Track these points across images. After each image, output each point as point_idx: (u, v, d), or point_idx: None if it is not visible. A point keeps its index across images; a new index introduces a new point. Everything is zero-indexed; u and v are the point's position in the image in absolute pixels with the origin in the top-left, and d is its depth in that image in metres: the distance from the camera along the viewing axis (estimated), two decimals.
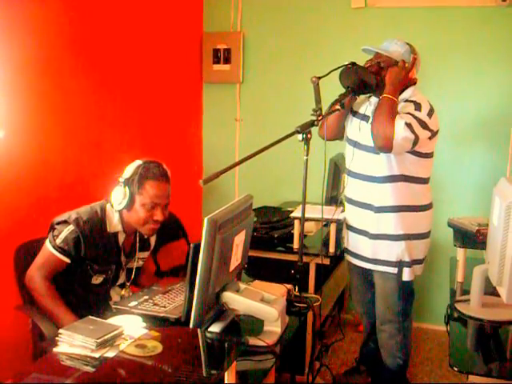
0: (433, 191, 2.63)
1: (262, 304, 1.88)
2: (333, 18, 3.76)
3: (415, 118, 2.38)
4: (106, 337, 1.60)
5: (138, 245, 2.37)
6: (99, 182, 2.50)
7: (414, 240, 2.53)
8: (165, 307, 1.99)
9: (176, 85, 3.76)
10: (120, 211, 2.24)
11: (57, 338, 1.63)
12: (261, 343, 1.82)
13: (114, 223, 2.25)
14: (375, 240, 2.54)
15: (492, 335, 1.99)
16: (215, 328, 1.83)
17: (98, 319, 1.73)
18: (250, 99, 4.03)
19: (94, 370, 1.52)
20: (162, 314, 1.94)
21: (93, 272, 2.23)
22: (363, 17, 3.68)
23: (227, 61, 3.96)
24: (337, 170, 3.06)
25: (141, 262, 2.44)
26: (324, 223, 2.77)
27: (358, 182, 2.56)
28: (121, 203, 2.19)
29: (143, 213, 2.20)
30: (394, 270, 2.53)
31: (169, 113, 3.70)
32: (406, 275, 2.53)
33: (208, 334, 1.78)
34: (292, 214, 2.83)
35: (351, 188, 2.62)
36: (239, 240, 1.90)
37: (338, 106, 2.34)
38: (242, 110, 4.05)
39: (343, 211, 2.75)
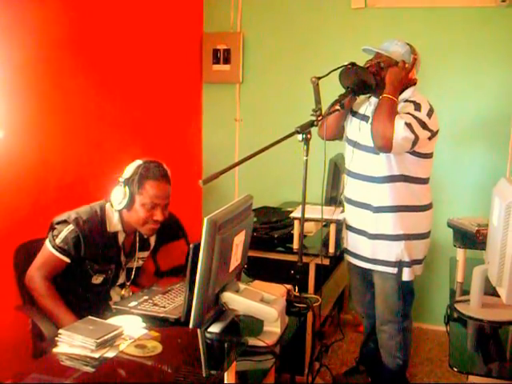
0: (432, 191, 2.63)
1: (261, 304, 1.88)
2: (333, 19, 3.76)
3: (415, 118, 2.38)
4: (105, 337, 1.60)
5: (137, 244, 2.37)
6: (99, 182, 2.50)
7: (413, 240, 2.53)
8: (164, 307, 1.99)
9: (176, 85, 3.76)
10: (120, 211, 2.24)
11: (56, 339, 1.63)
12: (260, 343, 1.82)
13: (114, 223, 2.25)
14: (374, 240, 2.54)
15: (492, 335, 1.99)
16: (215, 328, 1.83)
17: (98, 319, 1.73)
18: (250, 99, 4.03)
19: (93, 370, 1.52)
20: (161, 315, 1.94)
21: (93, 272, 2.23)
22: (363, 17, 3.68)
23: (227, 61, 3.96)
24: (337, 171, 3.06)
25: (140, 262, 2.44)
26: (324, 223, 2.77)
27: (358, 182, 2.56)
28: (121, 203, 2.19)
29: (143, 213, 2.20)
30: (394, 270, 2.53)
31: (169, 113, 3.70)
32: (406, 275, 2.53)
33: (208, 335, 1.78)
34: (292, 215, 2.83)
35: (350, 188, 2.62)
36: (239, 240, 1.90)
37: (337, 107, 2.34)
38: (241, 111, 4.06)
39: (343, 211, 2.75)
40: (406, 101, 2.47)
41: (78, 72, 2.85)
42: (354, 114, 2.62)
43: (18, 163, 2.52)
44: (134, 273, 2.39)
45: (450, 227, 2.79)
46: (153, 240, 2.49)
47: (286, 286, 2.21)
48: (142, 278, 2.50)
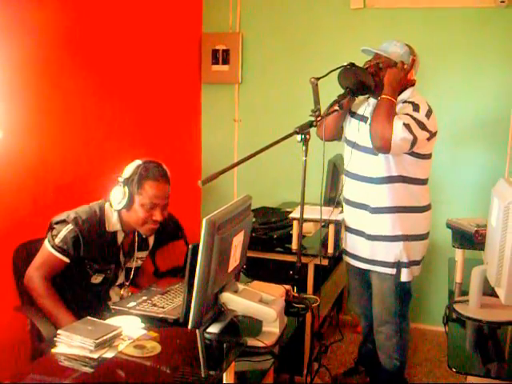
0: (431, 192, 2.63)
1: (260, 305, 1.89)
2: (331, 19, 3.77)
3: (413, 118, 2.38)
4: (104, 337, 1.60)
5: (136, 244, 2.37)
6: (98, 182, 2.49)
7: (412, 241, 2.53)
8: (163, 308, 1.99)
9: (175, 85, 3.76)
10: (119, 211, 2.24)
11: (55, 339, 1.63)
12: (259, 344, 1.82)
13: (113, 222, 2.25)
14: (373, 241, 2.54)
15: (490, 336, 1.99)
16: (214, 329, 1.83)
17: (97, 320, 1.73)
18: (249, 100, 4.03)
19: (92, 370, 1.52)
20: (160, 315, 1.94)
21: (92, 271, 2.23)
22: (362, 18, 3.69)
23: (226, 61, 3.96)
24: (335, 171, 3.06)
25: (139, 262, 2.44)
26: (323, 224, 2.77)
27: (356, 182, 2.56)
28: (120, 203, 2.19)
29: (142, 213, 2.20)
30: (392, 271, 2.53)
31: (168, 113, 3.70)
32: (405, 276, 2.53)
33: (206, 335, 1.78)
34: (291, 215, 2.83)
35: (349, 189, 2.62)
36: (238, 241, 1.90)
37: (336, 107, 2.34)
38: (240, 111, 4.06)
39: (342, 212, 2.75)
40: (405, 102, 2.48)
41: (77, 72, 2.85)
42: (353, 114, 2.62)
43: (18, 163, 2.52)
44: (133, 273, 2.39)
45: (448, 228, 2.79)
46: (151, 240, 2.49)
47: (285, 286, 2.21)
48: (141, 278, 2.50)
